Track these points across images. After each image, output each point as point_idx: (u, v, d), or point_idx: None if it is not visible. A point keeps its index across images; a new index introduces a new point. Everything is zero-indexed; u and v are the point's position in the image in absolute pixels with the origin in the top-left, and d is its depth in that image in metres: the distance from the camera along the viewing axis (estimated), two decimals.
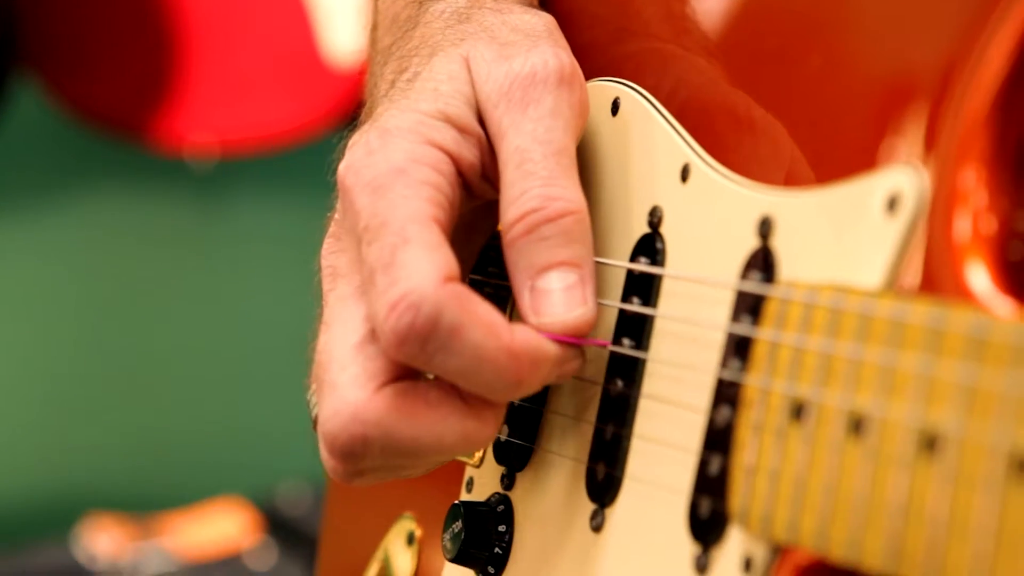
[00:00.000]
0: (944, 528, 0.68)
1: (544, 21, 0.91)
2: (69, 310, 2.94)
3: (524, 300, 0.86)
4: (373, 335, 0.85)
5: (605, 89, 0.94)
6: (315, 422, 0.89)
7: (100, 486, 2.91)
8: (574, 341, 0.86)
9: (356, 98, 2.68)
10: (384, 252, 0.84)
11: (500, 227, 0.87)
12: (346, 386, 0.84)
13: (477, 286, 0.95)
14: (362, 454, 0.84)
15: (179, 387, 2.98)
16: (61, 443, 2.92)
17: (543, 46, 0.89)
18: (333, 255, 0.89)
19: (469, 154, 0.88)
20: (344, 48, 2.69)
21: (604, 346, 0.89)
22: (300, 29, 2.70)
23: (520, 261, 0.86)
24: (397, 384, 0.85)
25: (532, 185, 0.86)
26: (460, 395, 0.86)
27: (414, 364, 0.84)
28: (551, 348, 0.85)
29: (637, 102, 0.92)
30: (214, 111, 2.74)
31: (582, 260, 0.86)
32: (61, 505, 2.85)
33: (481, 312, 0.83)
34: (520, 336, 0.84)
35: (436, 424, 0.85)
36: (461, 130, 0.88)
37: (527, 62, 0.88)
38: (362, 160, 0.87)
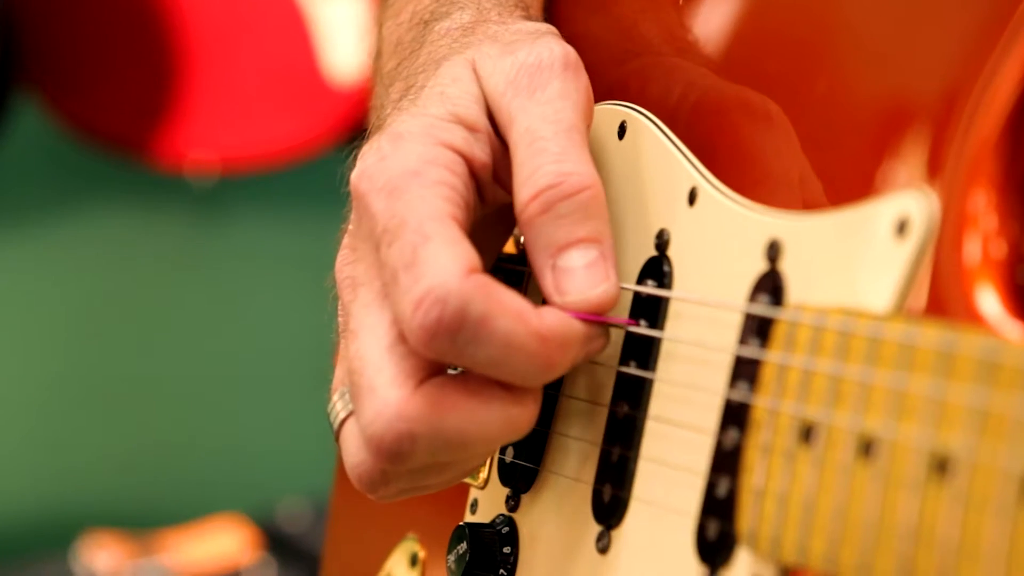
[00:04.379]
0: (955, 552, 0.68)
1: (547, 27, 0.92)
2: (69, 326, 2.94)
3: (547, 279, 0.86)
4: (403, 336, 0.85)
5: (612, 112, 0.94)
6: (337, 433, 0.89)
7: (99, 503, 2.91)
8: (600, 320, 0.86)
9: (356, 116, 2.69)
10: (405, 251, 0.84)
11: (515, 209, 0.87)
12: (385, 387, 0.84)
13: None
14: (410, 452, 0.84)
15: (179, 404, 2.98)
16: (60, 460, 2.92)
17: (546, 38, 0.89)
18: (350, 265, 0.89)
19: (481, 153, 0.88)
20: (344, 66, 2.69)
21: (630, 324, 0.89)
22: (300, 47, 2.71)
23: (539, 240, 0.86)
24: (435, 379, 0.85)
25: (545, 161, 0.85)
26: (499, 383, 0.85)
27: (445, 359, 0.84)
28: (579, 328, 0.85)
29: (644, 125, 0.92)
30: (214, 129, 2.74)
31: (601, 235, 0.86)
32: (60, 522, 2.84)
33: (507, 300, 0.83)
34: (548, 319, 0.84)
35: (479, 412, 0.84)
36: (471, 128, 0.88)
37: (531, 52, 0.88)
38: (375, 166, 0.87)
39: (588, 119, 0.89)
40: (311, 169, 2.72)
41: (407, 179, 0.85)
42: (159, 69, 2.71)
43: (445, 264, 0.82)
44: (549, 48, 0.88)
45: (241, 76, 2.73)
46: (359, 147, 0.91)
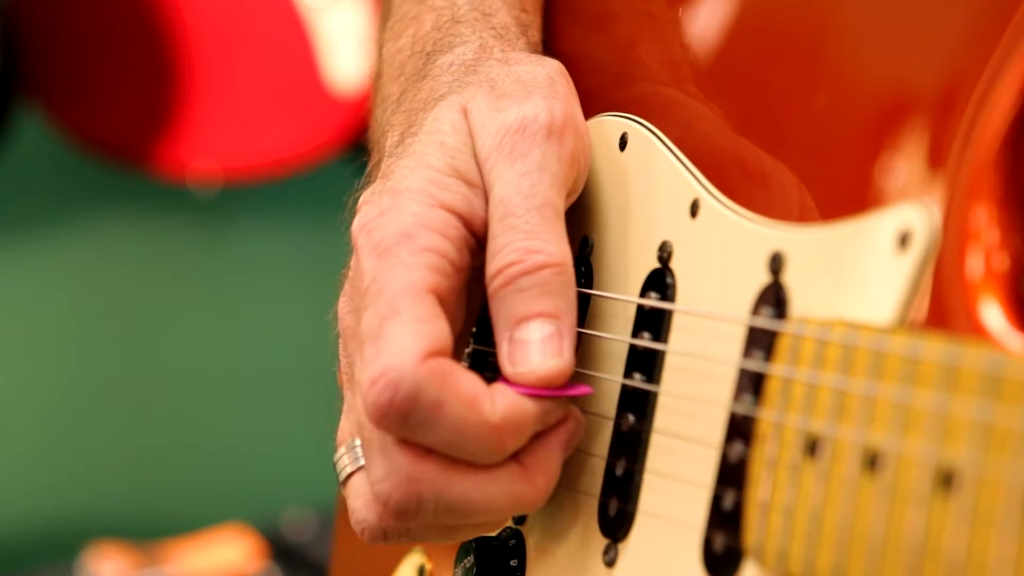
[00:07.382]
0: (962, 565, 0.68)
1: (548, 70, 0.91)
2: (72, 336, 2.94)
3: (503, 350, 0.87)
4: None
5: (613, 124, 0.94)
6: (344, 481, 0.90)
7: (104, 514, 2.91)
8: (553, 394, 0.86)
9: (359, 126, 2.68)
10: (374, 322, 0.85)
11: (485, 280, 0.88)
12: (395, 447, 0.85)
13: (484, 339, 0.96)
14: (415, 512, 0.86)
15: (183, 414, 2.98)
16: (65, 470, 2.92)
17: (535, 98, 0.89)
18: (349, 315, 0.91)
19: (480, 209, 0.89)
20: (346, 75, 2.70)
21: (586, 394, 0.89)
22: (303, 56, 2.71)
23: (500, 312, 0.87)
24: None
25: (513, 238, 0.87)
26: (515, 457, 0.87)
27: (397, 436, 0.85)
28: (531, 409, 0.86)
29: (645, 137, 0.92)
30: (217, 138, 2.74)
31: (560, 312, 0.86)
32: (65, 533, 2.84)
33: (462, 387, 0.84)
34: (501, 404, 0.85)
35: (486, 485, 0.86)
36: (470, 184, 0.89)
37: (517, 114, 0.89)
38: (374, 221, 0.88)
39: (567, 187, 0.89)
40: (313, 178, 2.72)
41: (398, 241, 0.86)
42: (161, 79, 2.72)
43: (405, 346, 0.84)
44: (535, 112, 0.88)
45: (243, 86, 2.74)
46: (360, 190, 0.92)
